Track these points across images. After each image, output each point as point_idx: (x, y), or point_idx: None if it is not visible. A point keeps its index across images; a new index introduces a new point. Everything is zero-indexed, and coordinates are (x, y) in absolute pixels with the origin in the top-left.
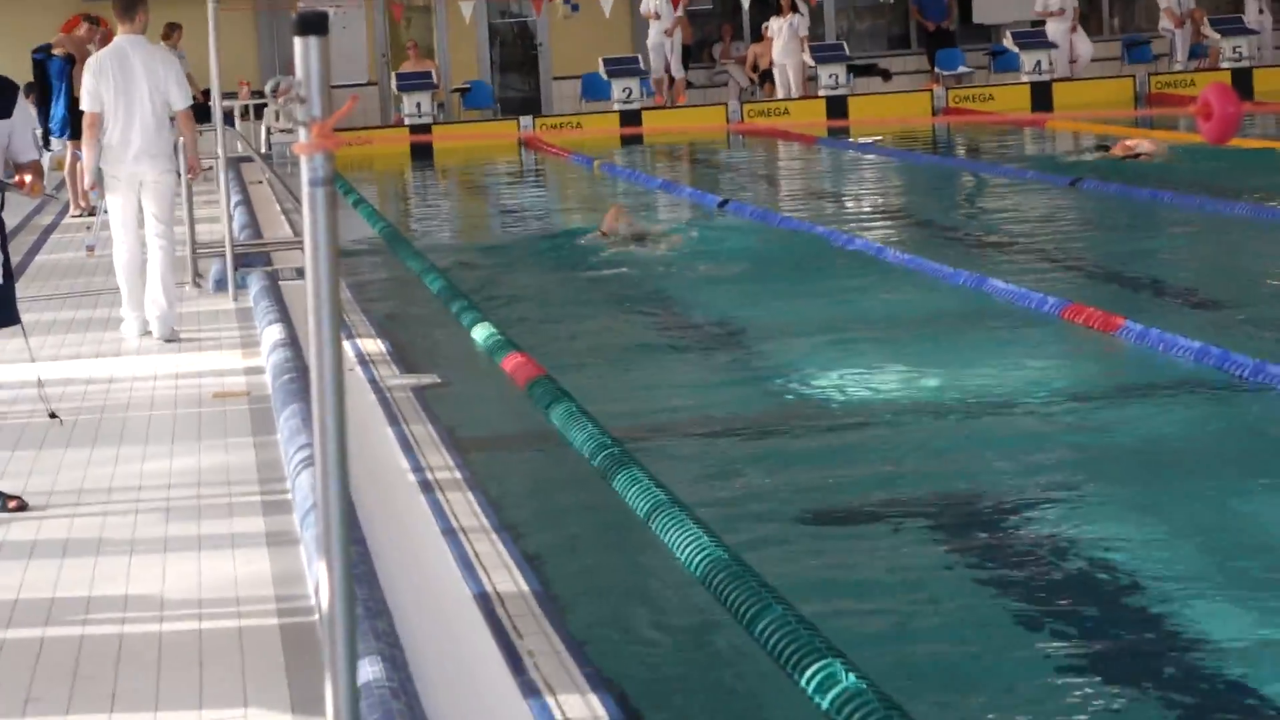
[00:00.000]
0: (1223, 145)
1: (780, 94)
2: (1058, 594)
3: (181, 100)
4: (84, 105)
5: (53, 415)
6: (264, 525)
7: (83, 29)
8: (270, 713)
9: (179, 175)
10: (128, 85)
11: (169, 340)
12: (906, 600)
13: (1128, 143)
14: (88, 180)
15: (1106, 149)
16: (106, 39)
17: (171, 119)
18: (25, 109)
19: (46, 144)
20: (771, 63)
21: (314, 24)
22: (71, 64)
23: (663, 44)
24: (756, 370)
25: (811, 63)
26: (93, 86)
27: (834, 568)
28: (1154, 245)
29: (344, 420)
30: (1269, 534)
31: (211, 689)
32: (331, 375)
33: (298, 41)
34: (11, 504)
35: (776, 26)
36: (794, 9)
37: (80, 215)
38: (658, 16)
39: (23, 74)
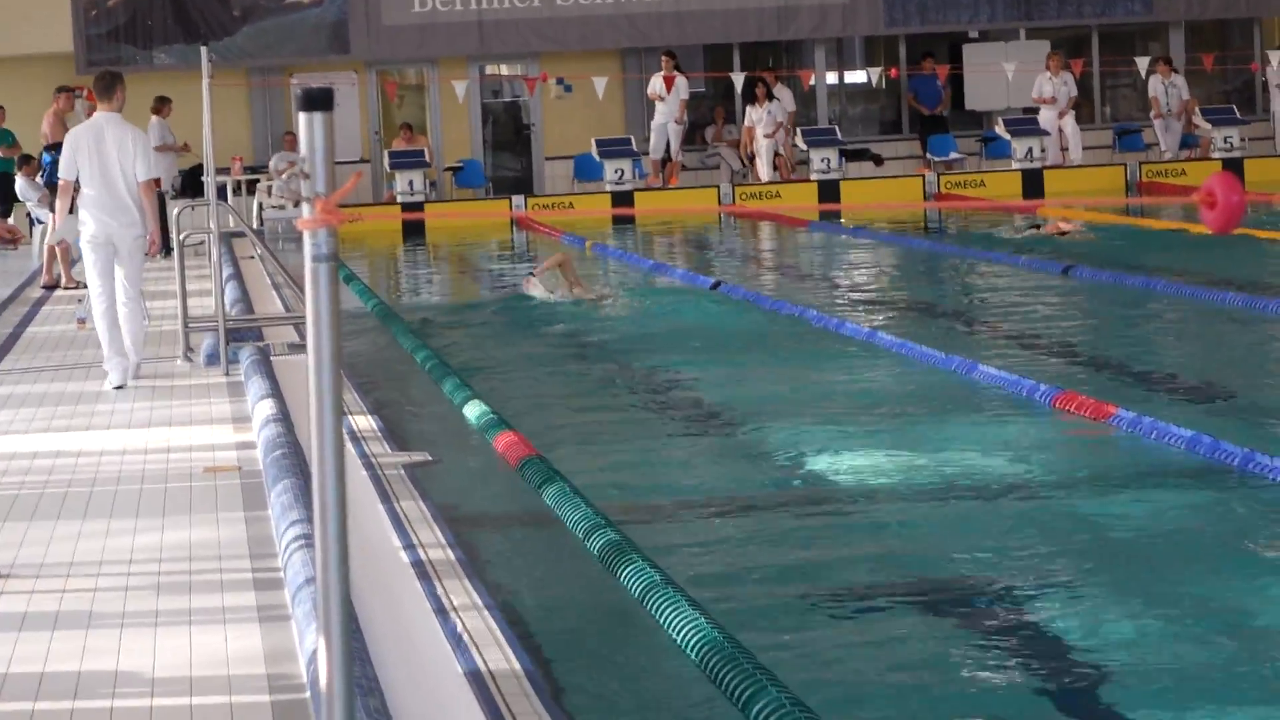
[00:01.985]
0: (1226, 234)
1: (762, 177)
2: (1044, 679)
3: (145, 172)
4: (60, 173)
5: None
6: (255, 600)
7: (61, 100)
8: None
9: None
10: (101, 157)
11: (119, 386)
12: (896, 683)
13: (1059, 223)
14: (55, 237)
15: (1038, 227)
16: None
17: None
18: None
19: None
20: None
21: (319, 100)
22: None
23: (667, 125)
24: (746, 450)
25: (803, 146)
26: (69, 157)
27: (827, 649)
28: (1146, 333)
29: (344, 492)
30: (1257, 623)
31: None
32: (332, 448)
33: (302, 117)
34: None
35: (756, 116)
36: (769, 97)
37: (70, 289)
38: (662, 98)
39: (29, 141)
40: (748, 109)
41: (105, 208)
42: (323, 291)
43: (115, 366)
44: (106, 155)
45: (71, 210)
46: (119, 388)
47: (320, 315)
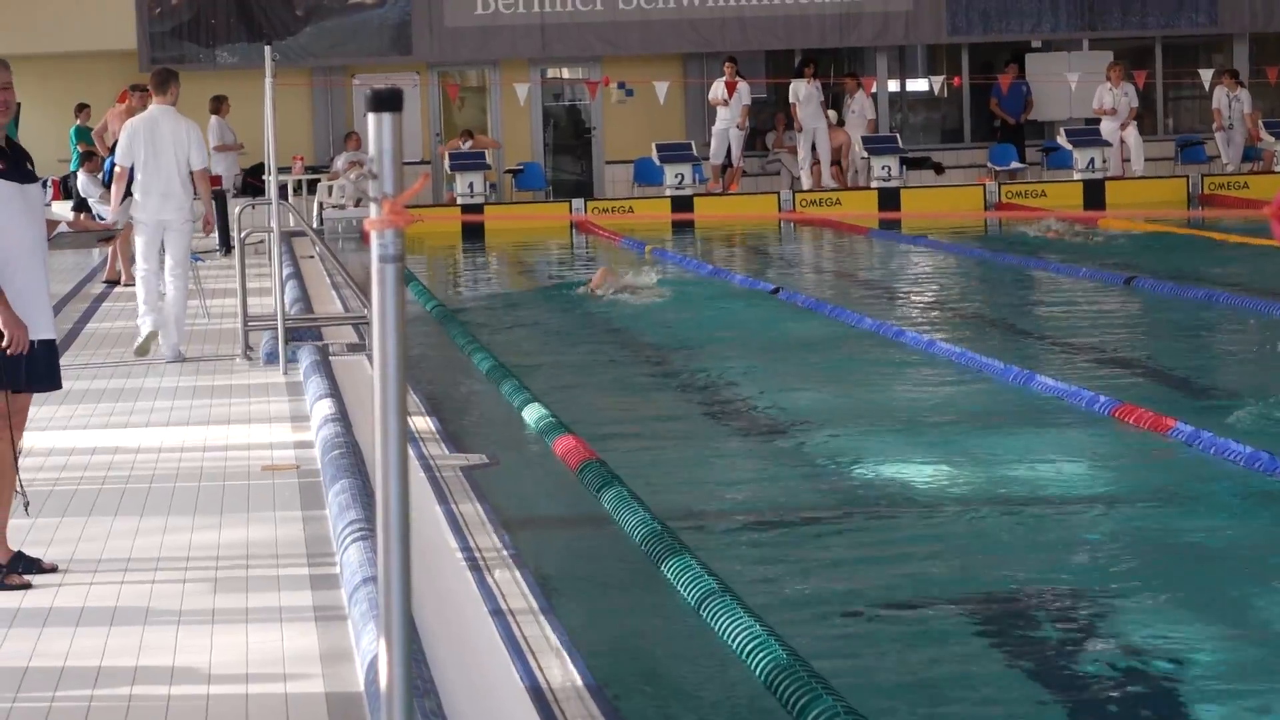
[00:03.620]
0: None
1: (801, 154)
2: (1101, 693)
3: (199, 161)
4: (116, 160)
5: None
6: (311, 600)
7: (135, 99)
8: None
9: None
10: (156, 146)
11: (173, 361)
12: (953, 693)
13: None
14: (111, 218)
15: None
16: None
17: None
18: None
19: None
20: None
21: (389, 101)
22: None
23: (728, 130)
24: (804, 457)
25: (864, 153)
26: (126, 146)
27: (883, 658)
28: (1207, 346)
29: (407, 493)
30: None
31: None
32: (396, 448)
33: (371, 118)
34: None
35: (805, 93)
36: (816, 75)
37: (131, 285)
38: (725, 103)
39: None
40: (793, 84)
41: (158, 194)
42: (389, 292)
43: (148, 320)
44: (161, 146)
45: (128, 195)
46: (149, 336)
47: (386, 316)
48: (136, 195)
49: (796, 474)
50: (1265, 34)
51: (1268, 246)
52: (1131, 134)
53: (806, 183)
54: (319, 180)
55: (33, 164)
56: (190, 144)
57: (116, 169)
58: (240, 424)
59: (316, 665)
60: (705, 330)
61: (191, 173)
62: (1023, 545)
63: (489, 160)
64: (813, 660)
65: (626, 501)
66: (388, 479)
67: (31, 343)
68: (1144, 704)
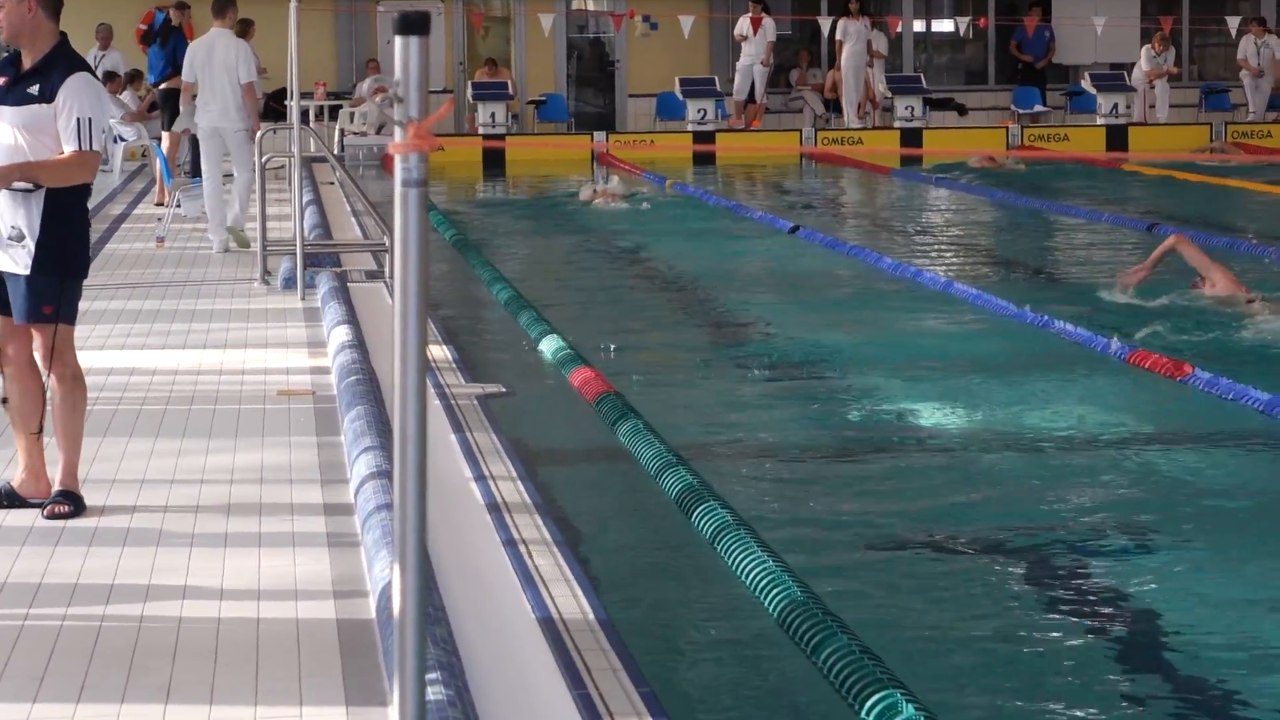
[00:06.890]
0: None
1: (848, 120)
2: (1112, 634)
3: (245, 75)
4: (183, 76)
5: None
6: (325, 526)
7: (178, 15)
8: (325, 709)
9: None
10: (212, 65)
11: (238, 231)
12: (967, 634)
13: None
14: (179, 125)
15: (992, 160)
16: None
17: None
18: (79, 95)
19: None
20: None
21: (416, 24)
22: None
23: (752, 66)
24: (821, 396)
25: (889, 93)
26: (188, 65)
27: (896, 598)
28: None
29: (425, 421)
30: None
31: (267, 684)
32: (415, 374)
33: (398, 40)
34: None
35: (853, 30)
36: (863, 13)
37: (162, 206)
38: (749, 39)
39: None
40: (839, 22)
41: (214, 106)
42: (412, 216)
43: (217, 239)
44: (215, 64)
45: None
46: (225, 251)
47: (408, 240)
48: (198, 106)
49: (813, 412)
50: None
51: None
52: (1161, 84)
53: (853, 121)
54: (341, 107)
55: (46, 83)
56: (239, 61)
57: (183, 85)
58: (257, 348)
59: (328, 590)
60: (725, 266)
61: (242, 86)
62: (1038, 489)
63: (511, 90)
64: (826, 599)
65: (642, 434)
66: (406, 407)
67: None
68: (1158, 647)
